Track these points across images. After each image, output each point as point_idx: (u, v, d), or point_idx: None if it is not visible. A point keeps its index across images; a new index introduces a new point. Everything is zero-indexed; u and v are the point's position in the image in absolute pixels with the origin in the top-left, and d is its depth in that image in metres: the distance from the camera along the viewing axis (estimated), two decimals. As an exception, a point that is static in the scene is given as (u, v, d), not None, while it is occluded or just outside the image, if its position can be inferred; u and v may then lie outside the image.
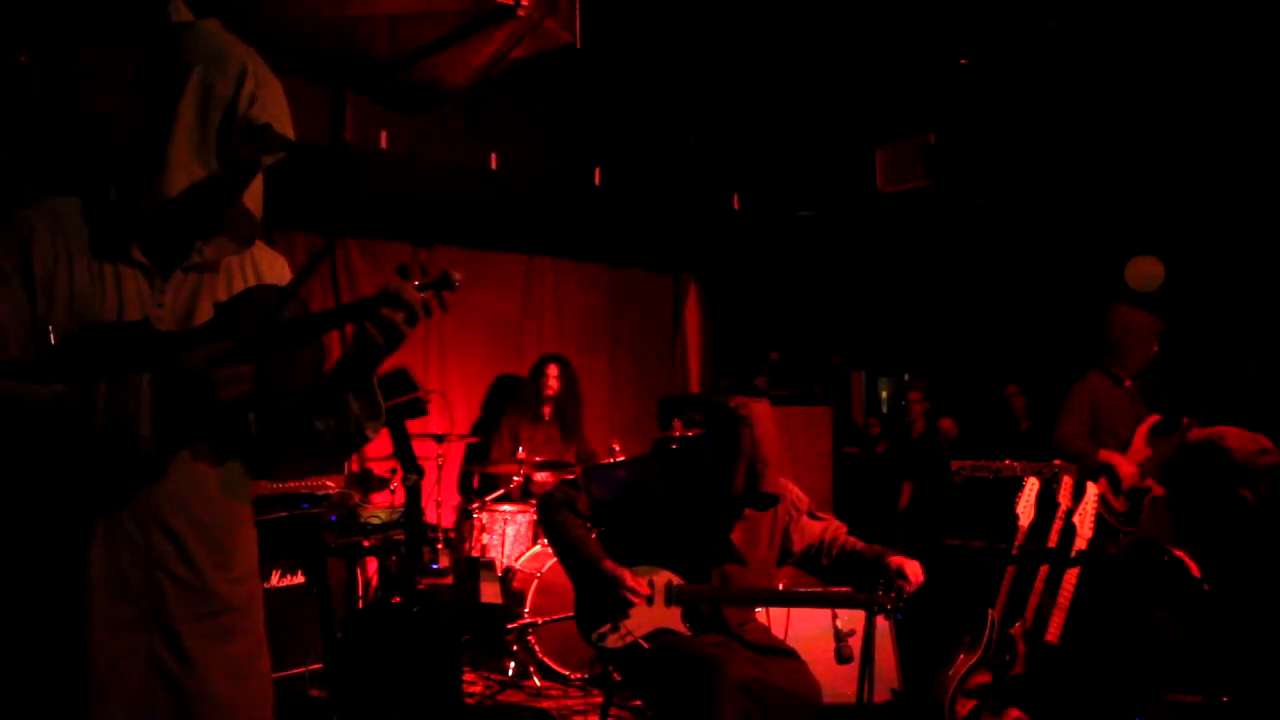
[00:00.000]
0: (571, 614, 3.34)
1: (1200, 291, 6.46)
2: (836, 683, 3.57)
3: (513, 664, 4.77)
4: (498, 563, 5.00)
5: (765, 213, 6.65)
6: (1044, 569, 3.70)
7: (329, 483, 4.18)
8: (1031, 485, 3.94)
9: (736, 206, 6.46)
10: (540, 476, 5.50)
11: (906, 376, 8.70)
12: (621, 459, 5.06)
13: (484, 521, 5.17)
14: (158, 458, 1.55)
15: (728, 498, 3.14)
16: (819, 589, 3.73)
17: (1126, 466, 4.42)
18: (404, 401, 3.57)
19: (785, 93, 5.38)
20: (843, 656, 3.06)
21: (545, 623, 4.67)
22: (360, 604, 4.68)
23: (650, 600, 3.13)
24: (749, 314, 8.17)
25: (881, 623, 3.16)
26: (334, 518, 3.62)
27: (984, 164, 5.81)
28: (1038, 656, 3.63)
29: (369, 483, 5.10)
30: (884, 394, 9.77)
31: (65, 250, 1.56)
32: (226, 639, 1.68)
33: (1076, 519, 3.75)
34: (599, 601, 3.14)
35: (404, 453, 3.63)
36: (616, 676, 3.39)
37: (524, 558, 4.95)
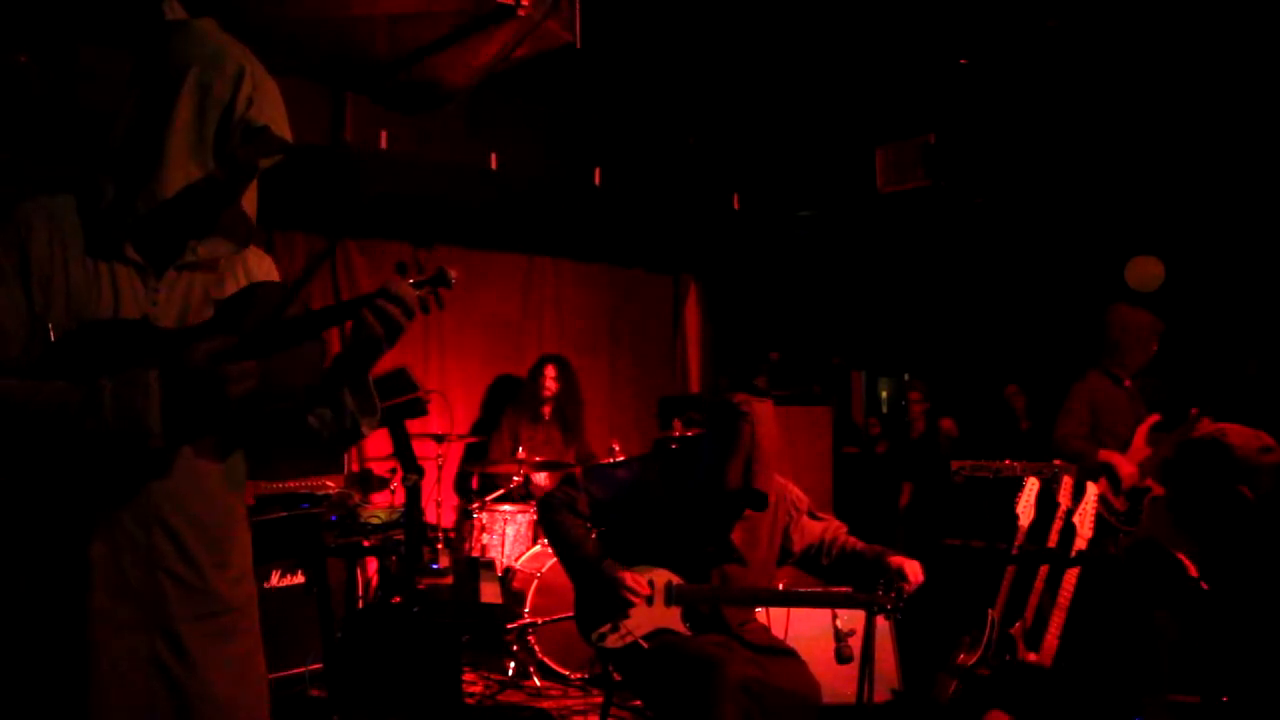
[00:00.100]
0: (571, 614, 3.34)
1: (1200, 291, 6.46)
2: (836, 683, 3.57)
3: (513, 664, 4.77)
4: (498, 563, 5.00)
5: (765, 213, 6.65)
6: (1044, 569, 3.70)
7: (329, 483, 4.19)
8: (1031, 485, 3.94)
9: (736, 206, 6.46)
10: (540, 476, 5.50)
11: (906, 376, 8.70)
12: (621, 459, 5.06)
13: (484, 521, 5.17)
14: (164, 454, 1.55)
15: (722, 492, 3.13)
16: (819, 589, 3.73)
17: (1126, 466, 4.42)
18: (404, 401, 3.57)
19: (785, 93, 5.38)
20: (843, 656, 3.06)
21: (545, 623, 4.67)
22: (360, 604, 4.68)
23: (650, 600, 3.13)
24: (749, 314, 8.17)
25: (881, 623, 3.16)
26: (334, 518, 3.62)
27: (984, 164, 5.81)
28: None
29: (369, 483, 5.10)
30: (884, 394, 9.77)
31: (61, 248, 1.56)
32: (227, 639, 1.68)
33: (1076, 519, 3.75)
34: (599, 601, 3.14)
35: (404, 453, 3.63)
36: (616, 676, 3.39)
37: (524, 558, 4.95)
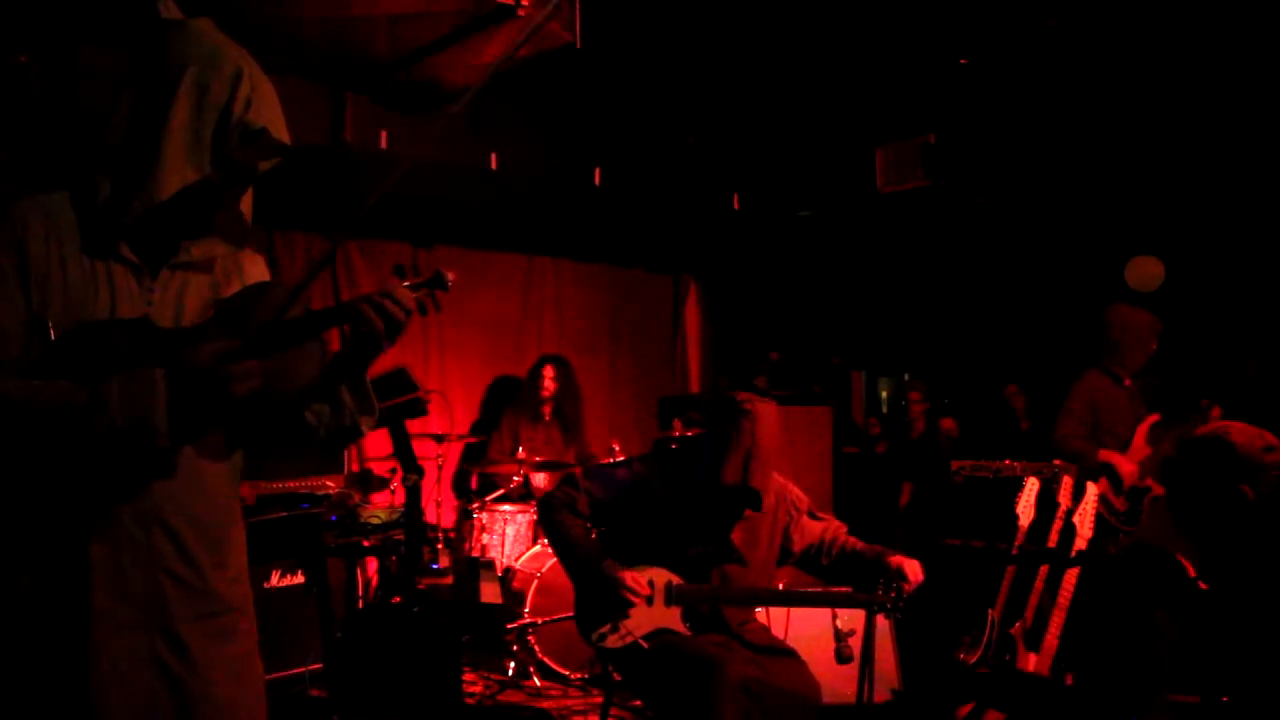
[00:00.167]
0: (571, 614, 3.34)
1: (1200, 291, 6.46)
2: (836, 683, 3.57)
3: (513, 664, 4.77)
4: (498, 563, 5.00)
5: (765, 213, 6.65)
6: (1044, 569, 3.70)
7: (329, 483, 4.19)
8: (1031, 485, 3.94)
9: (736, 206, 6.46)
10: (540, 477, 5.50)
11: (906, 376, 8.70)
12: (621, 459, 5.06)
13: (484, 521, 5.17)
14: (167, 454, 1.55)
15: (719, 488, 3.13)
16: (819, 589, 3.73)
17: (1127, 465, 4.42)
18: (404, 401, 3.57)
19: (785, 93, 5.38)
20: (843, 656, 3.06)
21: (545, 623, 4.67)
22: (360, 604, 4.68)
23: (650, 600, 3.13)
24: (749, 314, 8.17)
25: (881, 622, 3.16)
26: (334, 518, 3.62)
27: (984, 164, 5.81)
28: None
29: (369, 483, 5.09)
30: (884, 394, 9.77)
31: (58, 246, 1.56)
32: (226, 639, 1.68)
33: (1076, 519, 3.75)
34: (599, 601, 3.14)
35: (404, 453, 3.63)
36: (616, 676, 3.38)
37: (524, 558, 4.95)
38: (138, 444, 1.48)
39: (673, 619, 3.14)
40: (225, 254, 1.71)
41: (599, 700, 3.86)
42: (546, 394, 5.89)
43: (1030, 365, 6.97)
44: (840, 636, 3.07)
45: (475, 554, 5.09)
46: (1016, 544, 3.83)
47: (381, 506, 4.13)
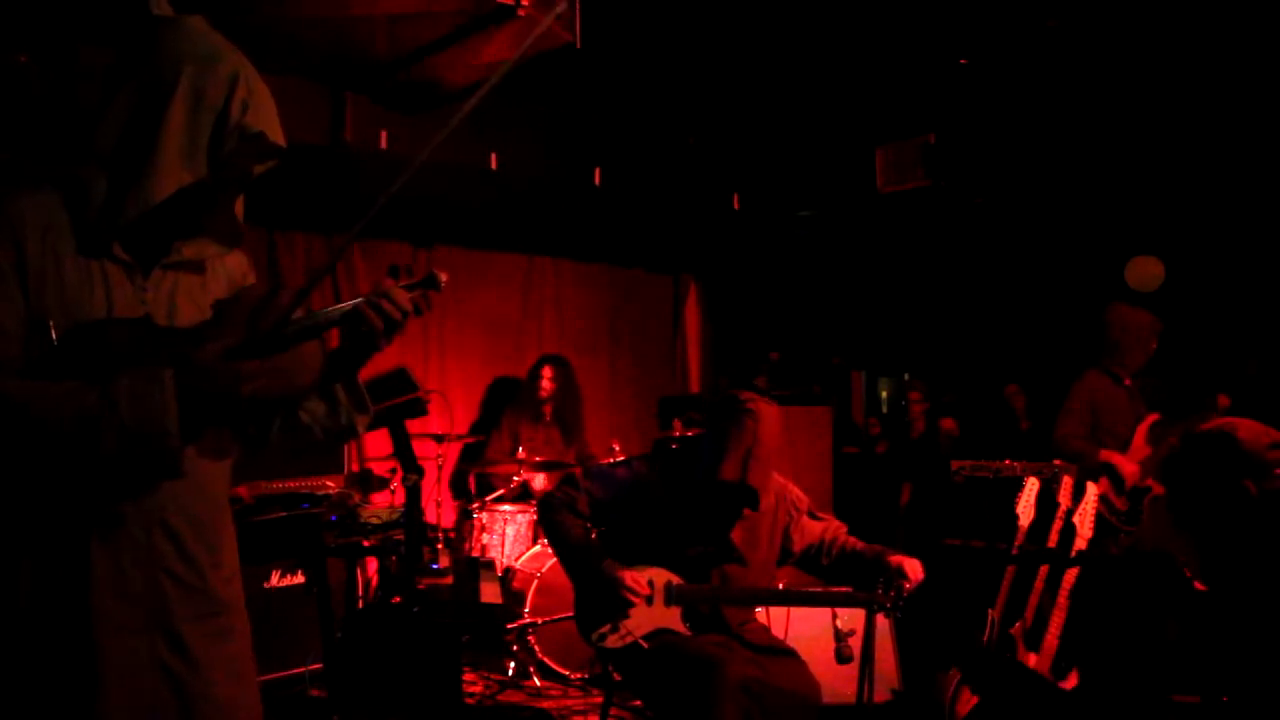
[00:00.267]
0: (571, 614, 3.34)
1: (1200, 291, 6.46)
2: (836, 683, 3.57)
3: (513, 664, 4.77)
4: (498, 563, 5.00)
5: (765, 213, 6.65)
6: (1044, 569, 3.70)
7: (329, 483, 4.18)
8: (1031, 485, 3.94)
9: (736, 206, 6.46)
10: (539, 477, 5.50)
11: (906, 376, 8.70)
12: (621, 459, 5.06)
13: (484, 521, 5.17)
14: (177, 454, 1.53)
15: (717, 485, 3.13)
16: (819, 589, 3.73)
17: (1128, 466, 4.42)
18: (404, 401, 3.57)
19: (785, 93, 5.38)
20: (843, 656, 3.06)
21: (545, 623, 4.67)
22: (360, 604, 4.67)
23: (650, 600, 3.13)
24: (749, 314, 8.17)
25: (881, 622, 3.16)
26: (334, 518, 3.62)
27: (984, 164, 5.81)
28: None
29: (369, 483, 5.09)
30: (884, 394, 9.77)
31: (54, 245, 1.54)
32: (225, 639, 1.68)
33: (1076, 519, 3.75)
34: (599, 601, 3.14)
35: (404, 453, 3.63)
36: (616, 676, 3.39)
37: (524, 558, 4.95)
38: (148, 445, 1.47)
39: (673, 619, 3.14)
40: (218, 254, 1.71)
41: (599, 700, 3.86)
42: (545, 394, 5.89)
43: (1030, 365, 6.97)
44: (840, 636, 3.07)
45: (475, 554, 5.09)
46: (1016, 544, 3.82)
47: (381, 506, 4.12)
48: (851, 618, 3.16)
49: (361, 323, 1.63)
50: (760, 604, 3.58)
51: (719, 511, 3.25)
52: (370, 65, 4.23)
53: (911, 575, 3.09)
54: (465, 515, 5.35)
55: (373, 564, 4.85)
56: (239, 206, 1.71)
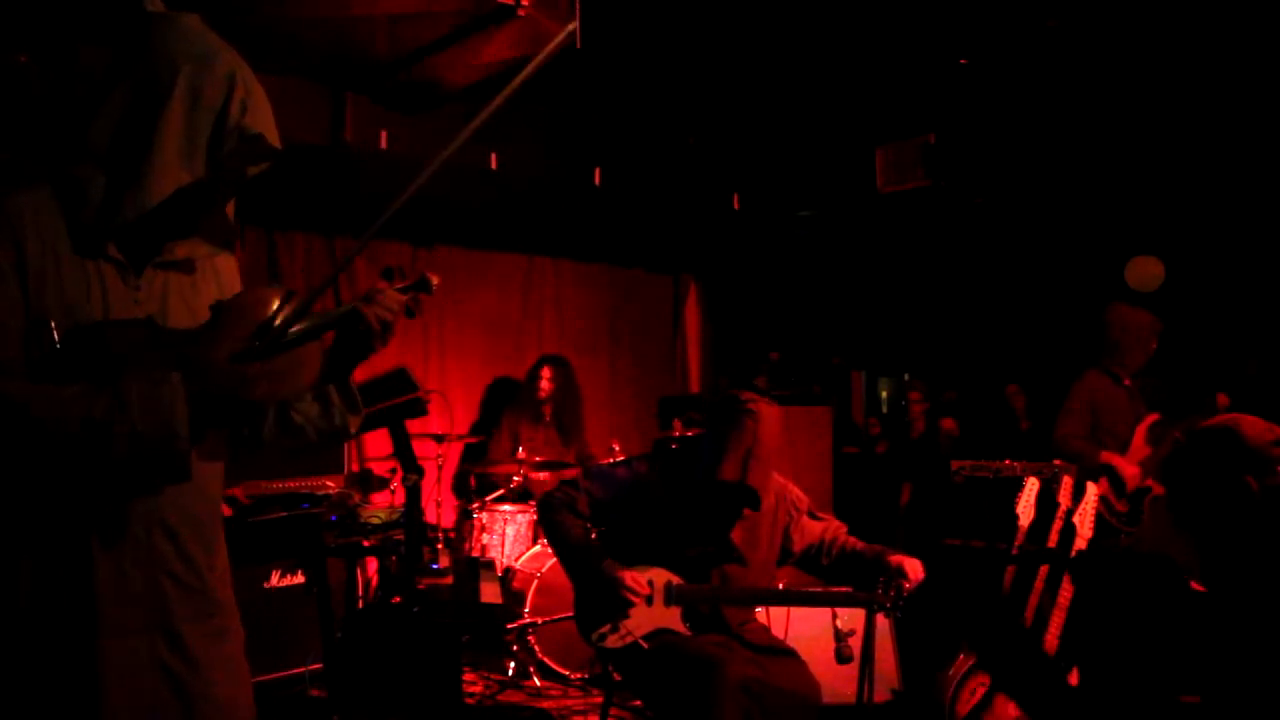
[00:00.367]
0: (571, 614, 3.34)
1: (1200, 291, 6.46)
2: (836, 683, 3.57)
3: (513, 664, 4.77)
4: (498, 563, 5.00)
5: (765, 213, 6.65)
6: (1044, 569, 3.70)
7: (329, 483, 4.18)
8: (1031, 485, 3.94)
9: (736, 206, 6.46)
10: (539, 477, 5.50)
11: (906, 376, 8.70)
12: (621, 459, 5.06)
13: (484, 521, 5.17)
14: (186, 459, 1.51)
15: (717, 485, 3.13)
16: (819, 589, 3.73)
17: (1129, 468, 4.42)
18: (404, 401, 3.57)
19: (785, 93, 5.37)
20: (843, 656, 3.06)
21: (545, 623, 4.67)
22: (360, 604, 4.67)
23: (650, 600, 3.13)
24: (749, 314, 8.17)
25: (881, 622, 3.16)
26: (334, 518, 3.62)
27: (984, 164, 5.81)
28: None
29: (369, 483, 5.09)
30: (884, 394, 9.77)
31: (52, 245, 1.52)
32: (222, 639, 1.68)
33: (1076, 519, 3.75)
34: (599, 602, 3.14)
35: (404, 453, 3.63)
36: (616, 676, 3.39)
37: (524, 558, 4.95)
38: (158, 449, 1.45)
39: (673, 619, 3.14)
40: (209, 254, 1.70)
41: (599, 700, 3.86)
42: (543, 395, 5.89)
43: (1030, 365, 6.97)
44: (840, 636, 3.07)
45: (475, 554, 5.09)
46: (1016, 544, 3.82)
47: (381, 506, 4.12)
48: (851, 617, 3.16)
49: (359, 324, 1.64)
50: (760, 604, 3.58)
51: (719, 512, 3.24)
52: (370, 65, 4.23)
53: (911, 575, 3.09)
54: (465, 515, 5.35)
55: (373, 564, 4.85)
56: (230, 206, 1.70)
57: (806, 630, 3.79)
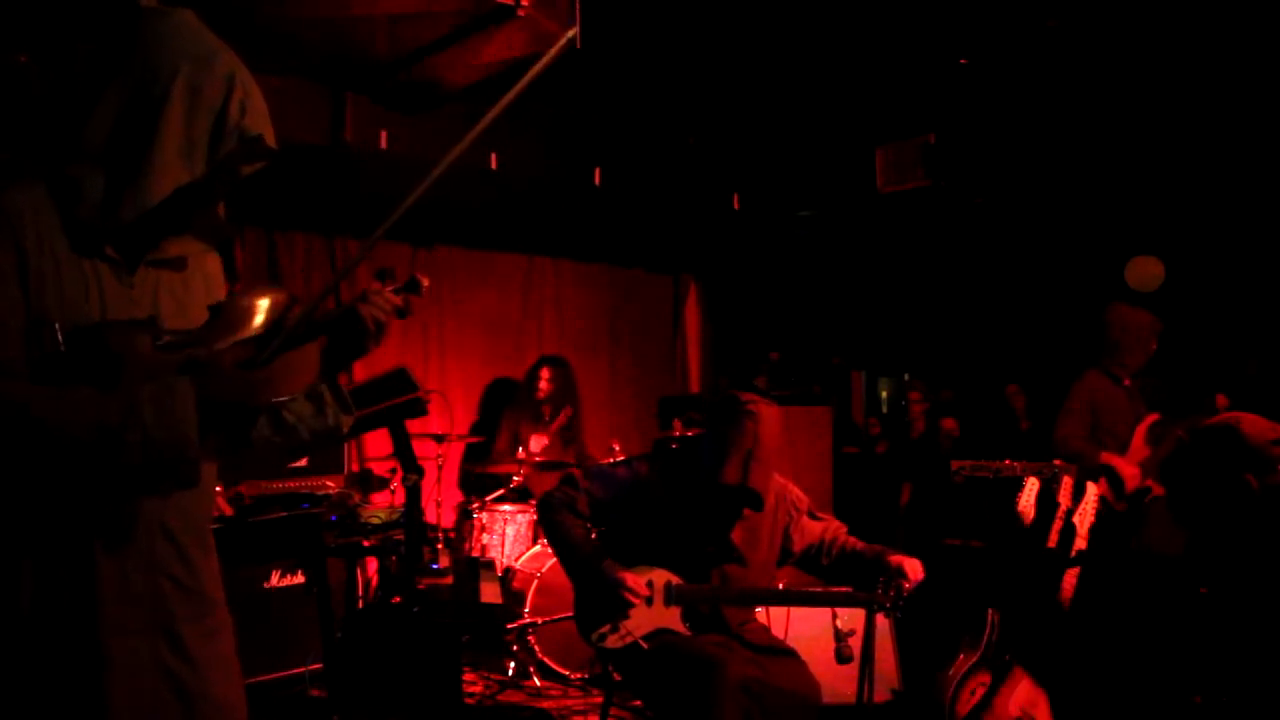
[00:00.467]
0: (571, 614, 3.34)
1: (1200, 291, 6.46)
2: (836, 683, 3.57)
3: (513, 664, 4.77)
4: (498, 563, 5.00)
5: (765, 213, 6.65)
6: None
7: (329, 483, 4.18)
8: (1031, 485, 3.94)
9: (736, 206, 6.46)
10: (539, 477, 5.50)
11: (906, 376, 8.70)
12: (621, 459, 5.06)
13: (484, 521, 5.17)
14: (196, 465, 1.50)
15: (719, 487, 3.13)
16: (819, 589, 3.73)
17: (1128, 469, 4.42)
18: (404, 401, 3.57)
19: (785, 93, 5.38)
20: (843, 656, 3.06)
21: (545, 623, 4.67)
22: (360, 604, 4.67)
23: (650, 600, 3.13)
24: (749, 314, 8.17)
25: (881, 622, 3.16)
26: (334, 518, 3.62)
27: (984, 164, 5.81)
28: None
29: (369, 483, 5.09)
30: (884, 394, 9.77)
31: (51, 244, 1.51)
32: (216, 637, 1.67)
33: (1076, 519, 3.75)
34: (599, 602, 3.14)
35: (404, 453, 3.63)
36: (616, 676, 3.39)
37: (524, 558, 4.95)
38: (170, 455, 1.44)
39: (673, 619, 3.13)
40: (201, 252, 1.69)
41: (599, 700, 3.86)
42: (542, 395, 5.90)
43: (1030, 365, 6.97)
44: (840, 636, 3.07)
45: (475, 554, 5.09)
46: (1016, 544, 3.82)
47: (381, 506, 4.12)
48: (851, 617, 3.16)
49: (355, 324, 1.63)
50: (760, 604, 3.58)
51: (719, 512, 3.24)
52: (370, 65, 4.23)
53: (911, 575, 3.09)
54: (465, 515, 5.35)
55: (373, 564, 4.85)
56: (222, 204, 1.70)
57: (806, 630, 3.79)
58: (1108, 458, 4.46)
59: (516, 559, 4.99)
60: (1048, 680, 3.36)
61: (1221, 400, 5.28)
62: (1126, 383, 4.70)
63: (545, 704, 4.49)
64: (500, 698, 4.57)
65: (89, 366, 1.47)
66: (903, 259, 7.79)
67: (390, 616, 3.85)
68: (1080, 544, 3.70)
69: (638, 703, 4.12)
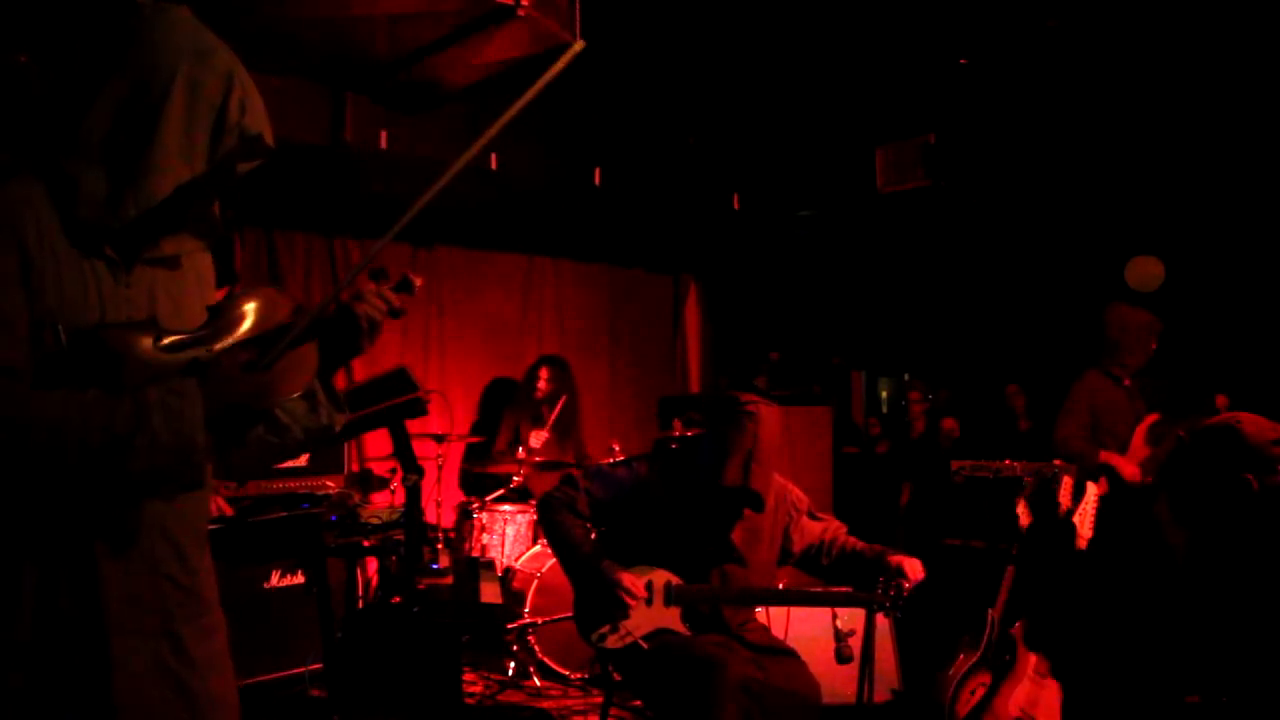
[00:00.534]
0: (571, 614, 3.34)
1: (1200, 291, 6.46)
2: (836, 683, 3.57)
3: (513, 664, 4.77)
4: (498, 563, 5.00)
5: (765, 213, 6.65)
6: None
7: (329, 483, 4.18)
8: (1031, 485, 3.94)
9: (736, 206, 6.46)
10: (539, 477, 5.50)
11: (906, 376, 8.71)
12: (621, 459, 5.05)
13: (484, 521, 5.17)
14: (202, 468, 1.50)
15: (719, 488, 3.13)
16: (819, 589, 3.73)
17: (1128, 468, 4.42)
18: (404, 401, 3.56)
19: (785, 93, 5.38)
20: (843, 656, 3.06)
21: (545, 623, 4.67)
22: (360, 604, 4.67)
23: (650, 601, 3.13)
24: (749, 314, 8.17)
25: (881, 622, 3.16)
26: (334, 518, 3.62)
27: (984, 164, 5.81)
28: None
29: (369, 483, 5.09)
30: (884, 394, 9.77)
31: (50, 243, 1.50)
32: (212, 636, 1.68)
33: (1076, 519, 3.75)
34: (598, 602, 3.14)
35: (404, 453, 3.63)
36: (616, 676, 3.38)
37: (524, 558, 4.95)
38: (178, 459, 1.44)
39: (672, 619, 3.13)
40: (196, 249, 1.68)
41: (599, 700, 3.86)
42: (541, 395, 5.90)
43: (1030, 365, 6.97)
44: (840, 636, 3.07)
45: (475, 554, 5.09)
46: (1016, 544, 3.82)
47: (381, 506, 4.12)
48: (851, 617, 3.16)
49: (350, 323, 1.64)
50: (760, 604, 3.58)
51: (719, 512, 3.24)
52: (370, 65, 4.23)
53: (911, 575, 3.09)
54: (465, 515, 5.35)
55: (373, 564, 4.85)
56: (216, 202, 1.70)
57: (806, 630, 3.79)
58: (1108, 457, 4.46)
59: (516, 559, 4.99)
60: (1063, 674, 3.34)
61: (1221, 400, 5.28)
62: (1126, 383, 4.70)
63: (545, 704, 4.49)
64: (500, 698, 4.57)
65: (91, 367, 1.46)
66: (903, 259, 7.79)
67: (390, 616, 3.85)
68: (1080, 544, 3.70)
69: (638, 703, 4.12)
